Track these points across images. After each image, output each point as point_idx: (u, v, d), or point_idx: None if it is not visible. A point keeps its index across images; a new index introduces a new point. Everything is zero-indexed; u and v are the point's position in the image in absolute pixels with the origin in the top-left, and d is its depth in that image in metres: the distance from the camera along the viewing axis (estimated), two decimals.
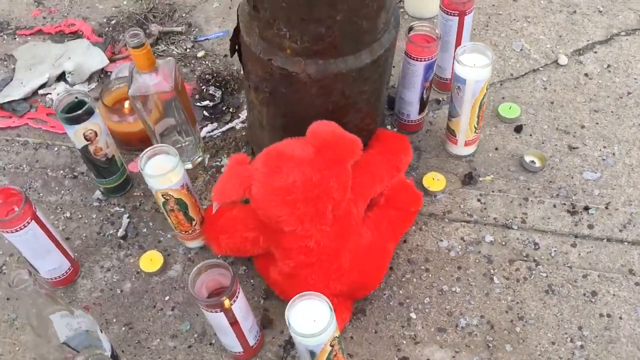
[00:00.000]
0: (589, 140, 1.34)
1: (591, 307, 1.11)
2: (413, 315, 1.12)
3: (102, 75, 1.51)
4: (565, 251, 1.18)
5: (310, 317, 0.90)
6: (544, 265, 1.17)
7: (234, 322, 0.98)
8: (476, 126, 1.25)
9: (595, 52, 1.49)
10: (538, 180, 1.28)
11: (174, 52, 1.54)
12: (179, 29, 1.58)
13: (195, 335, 1.12)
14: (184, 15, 1.63)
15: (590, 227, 1.21)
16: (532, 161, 1.29)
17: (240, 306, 0.97)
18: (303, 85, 1.02)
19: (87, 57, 1.50)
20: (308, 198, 0.96)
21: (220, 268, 0.97)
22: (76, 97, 1.16)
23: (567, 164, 1.30)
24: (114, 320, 1.14)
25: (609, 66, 1.46)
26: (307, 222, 0.98)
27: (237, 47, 1.12)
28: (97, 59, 1.50)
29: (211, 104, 1.42)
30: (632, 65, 1.45)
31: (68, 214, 1.28)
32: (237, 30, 1.09)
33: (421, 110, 1.31)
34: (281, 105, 1.08)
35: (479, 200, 1.26)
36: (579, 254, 1.18)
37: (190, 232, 1.18)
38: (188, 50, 1.55)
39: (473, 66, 1.14)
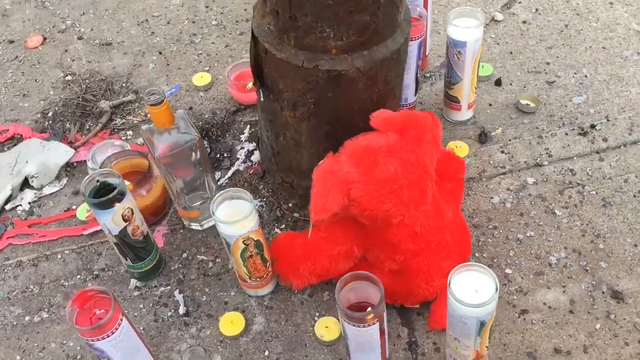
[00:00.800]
0: (560, 72, 1.45)
1: None
2: (508, 270, 1.14)
3: (68, 169, 1.37)
4: (598, 167, 1.27)
5: (471, 288, 0.88)
6: (589, 185, 1.24)
7: (382, 333, 0.93)
8: (476, 87, 1.30)
9: (520, 2, 1.63)
10: (540, 118, 1.36)
11: (136, 122, 1.44)
12: (128, 98, 1.48)
13: None
14: (123, 85, 1.53)
15: (605, 140, 1.31)
16: (527, 104, 1.38)
17: (384, 314, 0.92)
18: (351, 83, 1.01)
19: (47, 154, 1.35)
20: (411, 181, 0.94)
21: (361, 280, 0.92)
22: (98, 181, 1.04)
23: (555, 96, 1.40)
24: None
25: (537, 10, 1.60)
26: (412, 207, 0.96)
27: (260, 73, 1.07)
28: (60, 153, 1.36)
29: None
30: (554, 3, 1.61)
31: None
32: (257, 56, 1.05)
33: (416, 91, 1.35)
34: (326, 113, 1.06)
35: (502, 152, 1.31)
36: (610, 165, 1.27)
37: (264, 276, 1.10)
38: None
39: (468, 27, 1.20)
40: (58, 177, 1.35)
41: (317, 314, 1.12)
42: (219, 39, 1.62)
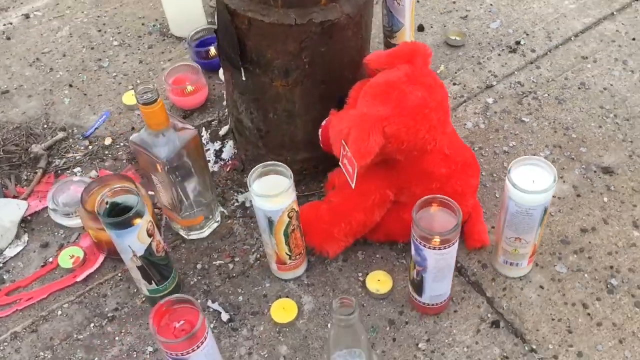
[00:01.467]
0: (467, 6, 1.57)
1: (588, 74, 1.35)
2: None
3: (24, 224, 1.21)
4: (538, 74, 1.39)
5: (529, 179, 0.93)
6: (539, 90, 1.36)
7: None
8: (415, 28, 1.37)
9: None
10: (471, 48, 1.46)
11: (77, 157, 1.31)
12: (59, 136, 1.34)
13: None
14: (45, 126, 1.38)
15: (533, 51, 1.44)
16: (455, 38, 1.47)
17: None
18: (341, 31, 1.01)
19: None
20: (438, 104, 0.96)
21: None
22: (107, 202, 0.94)
23: (474, 27, 1.51)
24: None
25: None
26: (440, 130, 0.99)
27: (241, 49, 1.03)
28: (12, 209, 1.20)
29: None
30: None
31: (150, 349, 1.03)
32: (236, 32, 1.01)
33: None
34: (319, 72, 1.05)
35: (454, 84, 1.38)
36: (547, 70, 1.40)
37: (302, 252, 1.06)
38: (90, 147, 1.33)
39: None
40: (17, 236, 1.18)
41: (359, 274, 1.10)
42: (129, 57, 1.52)
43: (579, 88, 1.36)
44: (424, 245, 0.90)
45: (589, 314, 1.03)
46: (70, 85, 1.47)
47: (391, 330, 1.03)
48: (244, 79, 1.08)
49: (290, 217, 0.97)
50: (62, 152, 1.32)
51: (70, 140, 1.35)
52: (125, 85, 1.45)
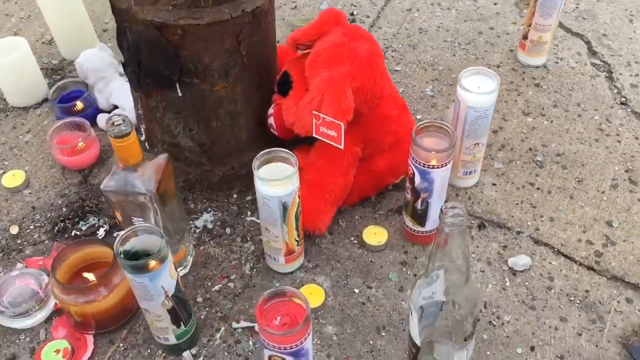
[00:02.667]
0: None
1: (419, 20, 1.55)
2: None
3: None
4: (384, 31, 1.56)
5: (475, 86, 1.07)
6: (394, 42, 1.53)
7: None
8: None
9: None
10: None
11: None
12: None
13: None
14: None
15: (367, 16, 1.61)
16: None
17: None
18: (266, 16, 1.04)
19: None
20: (381, 51, 1.06)
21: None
22: (120, 253, 0.85)
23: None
24: None
25: None
26: (386, 76, 1.08)
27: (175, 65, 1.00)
28: None
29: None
30: None
31: None
32: (167, 50, 0.98)
33: None
34: (254, 62, 1.06)
35: None
36: (387, 23, 1.57)
37: (303, 236, 1.07)
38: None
39: None
40: None
41: (352, 238, 1.14)
42: None
43: (420, 33, 1.56)
44: (431, 167, 0.98)
45: (538, 188, 1.21)
46: None
47: (407, 269, 1.09)
48: (180, 94, 1.05)
49: (299, 198, 0.98)
50: None
51: None
52: None
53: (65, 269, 1.00)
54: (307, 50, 1.09)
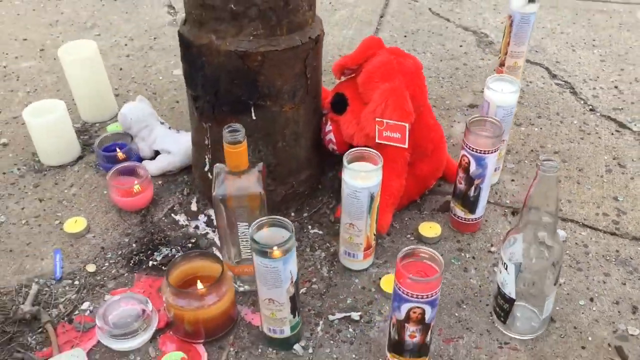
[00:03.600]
0: None
1: None
2: None
3: None
4: None
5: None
6: None
7: None
8: None
9: None
10: None
11: (72, 297, 1.14)
12: (35, 288, 1.14)
13: None
14: None
15: None
16: None
17: None
18: (320, 44, 1.20)
19: None
20: (420, 66, 1.24)
21: None
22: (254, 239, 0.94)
23: None
24: None
25: None
26: (426, 87, 1.26)
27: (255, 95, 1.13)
28: None
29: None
30: None
31: None
32: (248, 78, 1.11)
33: None
34: (314, 84, 1.21)
35: None
36: None
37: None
38: (76, 282, 1.17)
39: None
40: None
41: (408, 235, 1.27)
42: (23, 202, 1.36)
43: None
44: (486, 152, 1.15)
45: None
46: None
47: (464, 254, 1.23)
48: (254, 118, 1.17)
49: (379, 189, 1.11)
50: (50, 302, 1.14)
51: (46, 289, 1.16)
52: (44, 227, 1.30)
53: (175, 279, 1.06)
54: (351, 75, 1.26)
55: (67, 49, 1.52)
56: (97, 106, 1.59)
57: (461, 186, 1.21)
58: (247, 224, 1.05)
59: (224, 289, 1.04)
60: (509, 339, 1.07)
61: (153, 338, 1.07)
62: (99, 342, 1.07)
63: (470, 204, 1.23)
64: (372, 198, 1.08)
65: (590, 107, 1.65)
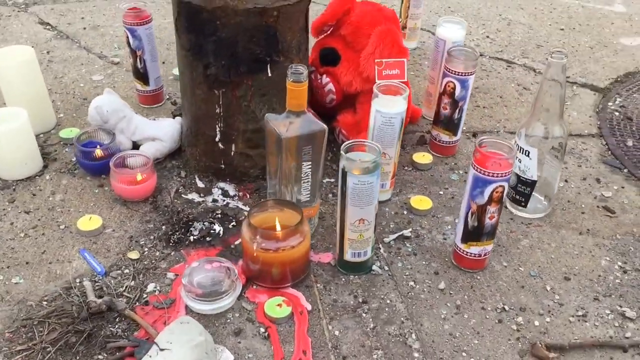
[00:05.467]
0: None
1: None
2: None
3: None
4: None
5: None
6: None
7: None
8: None
9: None
10: None
11: (131, 285, 1.08)
12: (87, 283, 1.06)
13: None
14: (45, 303, 1.04)
15: None
16: None
17: None
18: None
19: None
20: None
21: None
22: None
23: None
24: None
25: None
26: None
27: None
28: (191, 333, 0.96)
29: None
30: None
31: None
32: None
33: None
34: (308, 34, 1.29)
35: None
36: None
37: None
38: (124, 270, 1.11)
39: None
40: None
41: (406, 167, 1.41)
42: (13, 211, 1.23)
43: None
44: (468, 74, 1.34)
45: None
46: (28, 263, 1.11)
47: (458, 171, 1.41)
48: (270, 75, 1.22)
49: None
50: (112, 294, 1.07)
51: (97, 285, 1.08)
52: (50, 234, 1.20)
53: (260, 218, 1.08)
54: (329, 31, 1.37)
55: (1, 54, 1.40)
56: (36, 116, 1.46)
57: (446, 112, 1.39)
58: (310, 163, 1.10)
59: (306, 229, 1.08)
60: (530, 220, 1.27)
61: (239, 296, 1.07)
62: (187, 310, 1.04)
63: (454, 127, 1.41)
64: (402, 123, 1.21)
65: (480, 53, 1.94)
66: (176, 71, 1.72)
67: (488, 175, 1.03)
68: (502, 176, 1.03)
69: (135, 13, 1.47)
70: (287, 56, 1.22)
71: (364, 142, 1.06)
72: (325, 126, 1.09)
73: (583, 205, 1.32)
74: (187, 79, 1.26)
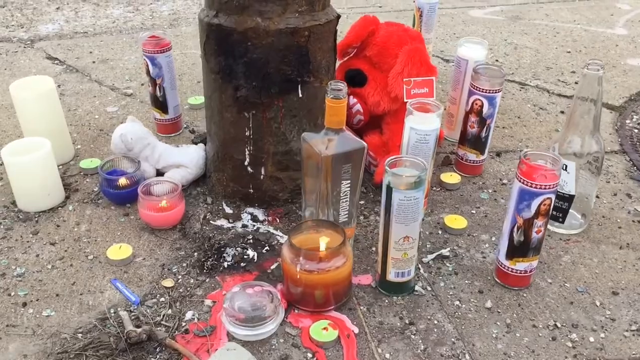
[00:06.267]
0: None
1: None
2: None
3: None
4: None
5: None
6: None
7: None
8: None
9: None
10: None
11: (169, 313, 1.04)
12: (124, 314, 1.01)
13: None
14: (79, 335, 1.00)
15: None
16: None
17: None
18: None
19: None
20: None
21: None
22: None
23: None
24: None
25: None
26: None
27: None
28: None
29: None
30: None
31: None
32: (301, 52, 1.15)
33: None
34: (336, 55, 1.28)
35: None
36: None
37: None
38: (159, 299, 1.07)
39: None
40: None
41: (434, 187, 1.39)
42: (16, 250, 1.19)
43: None
44: (495, 92, 1.33)
45: None
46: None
47: (487, 190, 1.39)
48: (300, 95, 1.20)
49: None
50: (150, 323, 1.02)
51: (131, 312, 1.04)
52: (78, 264, 1.16)
53: (302, 239, 1.05)
54: (353, 53, 1.37)
55: (19, 85, 1.37)
56: (55, 147, 1.42)
57: (473, 130, 1.38)
58: (349, 182, 1.08)
59: (348, 249, 1.05)
60: (568, 236, 1.25)
61: (282, 321, 1.03)
62: (230, 337, 0.99)
63: (481, 145, 1.39)
64: (437, 140, 1.19)
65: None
66: (192, 100, 1.72)
67: (535, 188, 1.01)
68: (549, 188, 1.01)
69: (155, 41, 1.46)
70: (316, 76, 1.21)
71: (405, 157, 1.04)
72: (365, 144, 1.07)
73: (618, 220, 1.30)
74: (216, 102, 1.24)
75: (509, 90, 1.86)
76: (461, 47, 1.48)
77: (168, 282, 1.11)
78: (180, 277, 1.12)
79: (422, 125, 1.16)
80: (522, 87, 1.88)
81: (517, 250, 1.08)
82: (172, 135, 1.56)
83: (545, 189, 1.01)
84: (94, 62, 1.98)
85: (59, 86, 1.82)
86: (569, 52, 2.14)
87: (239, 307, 1.01)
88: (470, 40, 1.50)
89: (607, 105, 1.77)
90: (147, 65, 1.47)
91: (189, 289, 1.10)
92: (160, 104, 1.52)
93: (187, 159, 1.33)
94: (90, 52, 2.05)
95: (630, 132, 1.65)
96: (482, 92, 1.33)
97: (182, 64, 1.98)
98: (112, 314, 1.04)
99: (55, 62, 1.99)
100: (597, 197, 1.36)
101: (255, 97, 1.19)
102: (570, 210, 1.23)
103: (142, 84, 1.83)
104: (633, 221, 1.30)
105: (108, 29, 2.26)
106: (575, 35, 2.28)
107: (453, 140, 1.54)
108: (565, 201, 1.22)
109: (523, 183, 1.02)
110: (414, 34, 1.35)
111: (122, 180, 1.29)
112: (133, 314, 1.04)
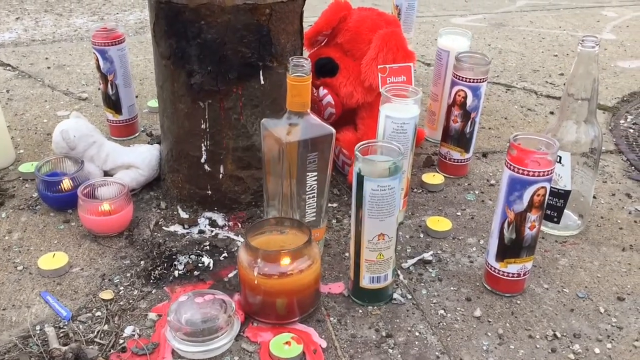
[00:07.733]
0: None
1: None
2: None
3: None
4: None
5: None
6: None
7: None
8: None
9: None
10: None
11: (104, 329, 0.89)
12: (49, 330, 0.86)
13: None
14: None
15: None
16: None
17: None
18: None
19: None
20: None
21: None
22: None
23: None
24: None
25: None
26: None
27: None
28: None
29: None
30: None
31: None
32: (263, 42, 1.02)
33: None
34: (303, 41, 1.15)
35: None
36: None
37: None
38: (95, 313, 0.91)
39: None
40: None
41: (415, 189, 1.26)
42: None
43: None
44: (480, 81, 1.20)
45: None
46: None
47: (473, 191, 1.26)
48: (262, 82, 1.07)
49: None
50: (80, 340, 0.86)
51: (61, 331, 0.88)
52: (5, 276, 1.00)
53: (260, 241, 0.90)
54: (324, 41, 1.24)
55: None
56: None
57: (457, 125, 1.25)
58: (316, 174, 0.94)
59: (315, 251, 0.91)
60: (564, 238, 1.11)
61: (237, 335, 0.88)
62: (174, 355, 0.84)
63: (465, 142, 1.26)
64: (415, 129, 1.06)
65: None
66: (152, 103, 1.58)
67: (528, 175, 0.88)
68: (543, 175, 0.88)
69: (106, 33, 1.32)
70: (280, 62, 1.08)
71: (380, 142, 0.90)
72: (332, 129, 0.93)
73: (619, 221, 1.17)
74: (168, 92, 1.10)
75: (494, 92, 1.74)
76: (442, 37, 1.36)
77: (107, 294, 0.95)
78: (122, 288, 0.97)
79: (398, 113, 1.03)
80: (508, 89, 1.76)
81: (509, 249, 0.94)
82: (127, 138, 1.42)
83: (538, 176, 0.88)
84: (49, 67, 1.84)
85: (7, 91, 1.67)
86: (556, 55, 2.04)
87: (186, 319, 0.86)
88: (452, 30, 1.38)
89: (600, 106, 1.66)
90: (97, 60, 1.33)
91: (131, 301, 0.94)
92: (112, 103, 1.38)
93: (138, 159, 1.19)
94: (46, 59, 1.91)
95: (625, 132, 1.53)
96: (466, 81, 1.20)
97: (144, 69, 1.84)
98: (37, 332, 0.88)
99: (7, 68, 1.84)
100: (594, 197, 1.23)
101: (211, 83, 1.05)
102: (565, 211, 1.10)
103: (99, 88, 1.69)
104: (635, 221, 1.17)
105: (69, 37, 2.13)
106: (562, 40, 2.18)
107: (435, 141, 1.41)
108: (560, 198, 1.09)
109: (513, 170, 0.89)
110: (390, 18, 1.22)
111: (65, 182, 1.14)
112: (62, 330, 0.88)
